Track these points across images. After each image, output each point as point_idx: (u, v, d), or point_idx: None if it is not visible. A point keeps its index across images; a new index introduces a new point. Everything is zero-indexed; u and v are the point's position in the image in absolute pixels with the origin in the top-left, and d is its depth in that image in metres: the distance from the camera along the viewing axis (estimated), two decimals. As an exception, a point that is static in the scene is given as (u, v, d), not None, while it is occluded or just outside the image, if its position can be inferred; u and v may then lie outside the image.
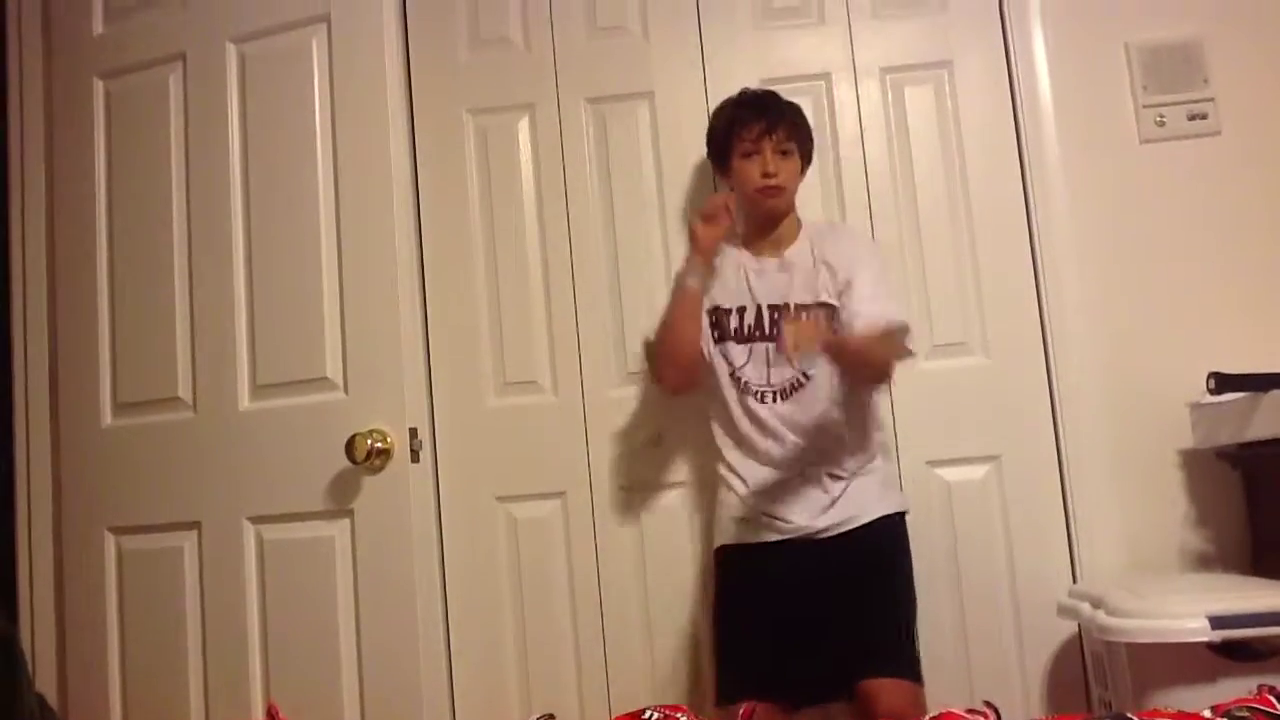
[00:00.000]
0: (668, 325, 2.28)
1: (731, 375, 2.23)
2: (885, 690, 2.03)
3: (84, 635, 2.54)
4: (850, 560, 2.13)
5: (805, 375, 2.18)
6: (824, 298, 2.21)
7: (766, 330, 2.22)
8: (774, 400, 2.19)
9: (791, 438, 2.18)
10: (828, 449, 2.18)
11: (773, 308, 2.23)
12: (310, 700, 2.31)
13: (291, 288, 2.43)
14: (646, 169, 2.58)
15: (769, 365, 2.21)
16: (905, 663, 2.10)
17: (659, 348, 2.33)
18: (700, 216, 2.25)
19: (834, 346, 2.04)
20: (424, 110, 2.62)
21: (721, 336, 2.25)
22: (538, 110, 2.63)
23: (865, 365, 2.08)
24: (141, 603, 2.50)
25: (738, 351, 2.23)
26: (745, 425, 2.21)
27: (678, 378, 2.32)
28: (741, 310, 2.24)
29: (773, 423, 2.18)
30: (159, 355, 2.52)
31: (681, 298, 2.25)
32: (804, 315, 2.19)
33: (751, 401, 2.20)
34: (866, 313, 2.13)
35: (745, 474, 2.21)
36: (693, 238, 2.25)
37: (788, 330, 2.12)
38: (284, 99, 2.48)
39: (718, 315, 2.26)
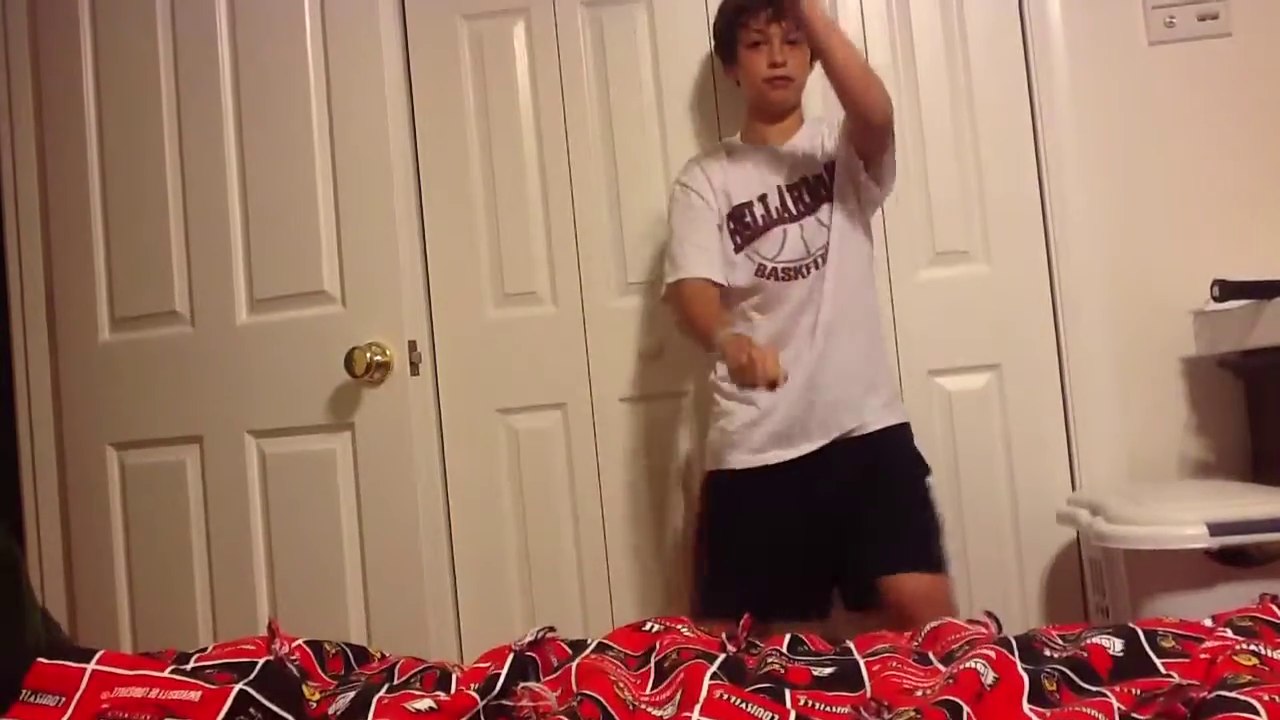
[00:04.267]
0: (696, 326, 2.14)
1: (761, 269, 2.14)
2: (910, 583, 2.03)
3: (90, 550, 2.57)
4: (867, 468, 2.10)
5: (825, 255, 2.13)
6: (829, 159, 2.16)
7: (793, 209, 2.16)
8: (817, 266, 2.12)
9: (809, 321, 2.11)
10: (846, 343, 2.12)
11: (791, 187, 2.17)
12: (315, 611, 2.34)
13: (286, 201, 2.42)
14: (645, 75, 2.53)
15: (804, 240, 2.14)
16: (930, 557, 2.08)
17: (686, 328, 2.20)
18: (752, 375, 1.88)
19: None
20: (417, 16, 2.56)
21: (748, 234, 2.17)
22: (533, 15, 2.57)
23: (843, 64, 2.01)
24: (146, 517, 2.52)
25: (770, 242, 2.15)
26: (759, 320, 2.14)
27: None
28: (763, 198, 2.17)
29: (792, 304, 2.12)
30: (155, 270, 2.51)
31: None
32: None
33: (776, 286, 2.13)
34: None
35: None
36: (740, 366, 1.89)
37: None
38: (273, 5, 2.44)
39: (739, 213, 2.18)
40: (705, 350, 2.16)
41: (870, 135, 2.09)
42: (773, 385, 1.85)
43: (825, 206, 2.15)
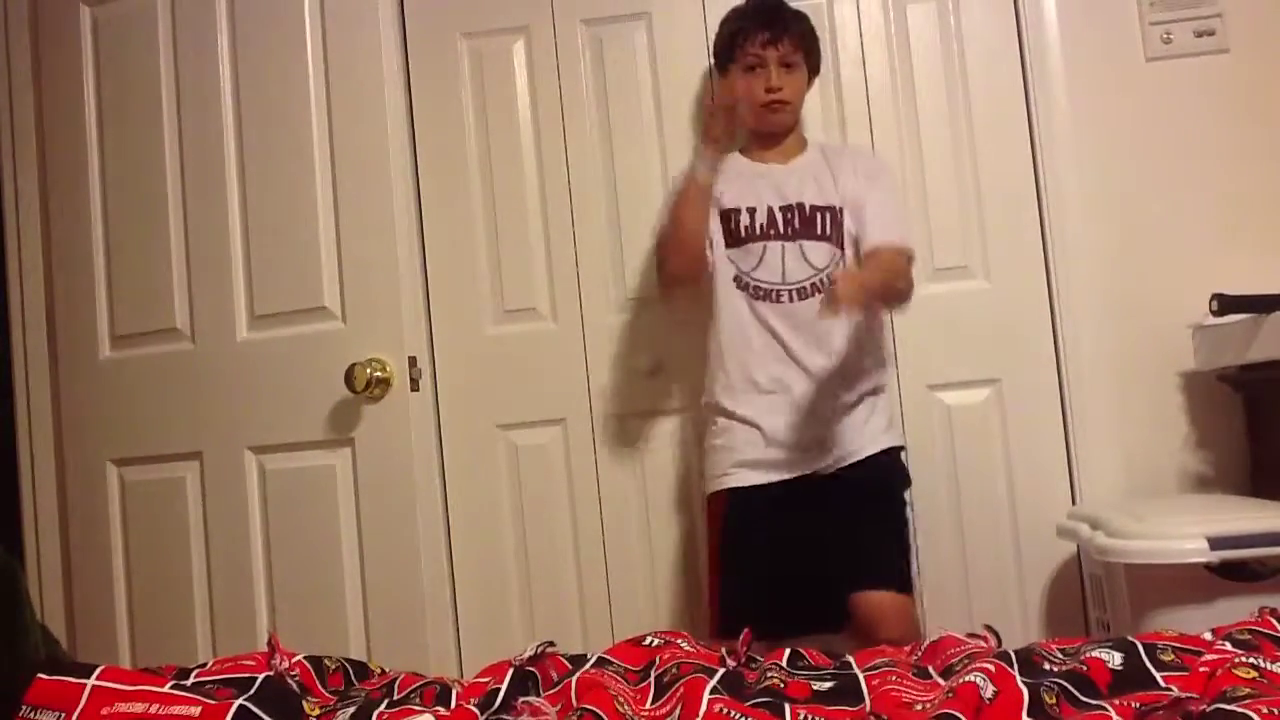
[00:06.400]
0: (675, 214, 2.18)
1: (737, 279, 2.16)
2: (875, 600, 2.04)
3: (90, 566, 2.56)
4: (855, 491, 2.11)
5: (825, 279, 2.13)
6: (833, 201, 2.18)
7: (781, 229, 2.16)
8: (790, 300, 2.13)
9: (806, 349, 2.12)
10: (844, 369, 2.13)
11: (785, 208, 2.17)
12: (315, 628, 2.34)
13: (287, 217, 2.42)
14: (644, 92, 2.54)
15: (784, 264, 2.14)
16: (896, 576, 2.09)
17: (665, 238, 2.23)
18: (717, 109, 2.13)
19: (873, 291, 2.02)
20: (417, 35, 2.57)
21: (731, 240, 2.18)
22: (533, 33, 2.58)
23: (891, 296, 2.12)
24: (146, 533, 2.52)
25: (749, 253, 2.17)
26: (756, 340, 2.14)
27: (683, 267, 2.21)
28: (752, 210, 2.18)
29: (785, 327, 2.12)
30: (155, 286, 2.51)
31: (689, 188, 2.15)
32: (837, 263, 2.16)
33: (763, 307, 2.14)
34: (881, 232, 2.15)
35: (754, 408, 2.14)
36: (709, 127, 2.14)
37: (836, 288, 2.01)
38: (274, 24, 2.44)
39: (726, 216, 2.19)
40: (678, 226, 2.19)
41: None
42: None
43: (821, 244, 2.16)
